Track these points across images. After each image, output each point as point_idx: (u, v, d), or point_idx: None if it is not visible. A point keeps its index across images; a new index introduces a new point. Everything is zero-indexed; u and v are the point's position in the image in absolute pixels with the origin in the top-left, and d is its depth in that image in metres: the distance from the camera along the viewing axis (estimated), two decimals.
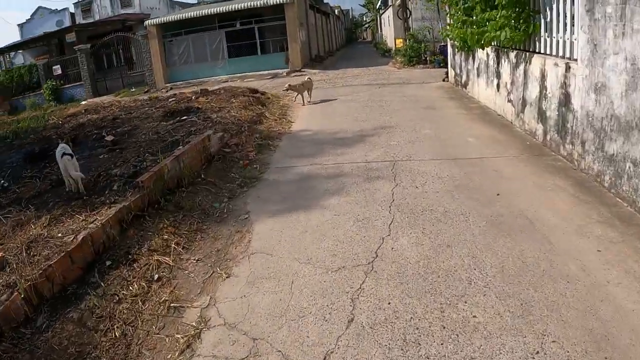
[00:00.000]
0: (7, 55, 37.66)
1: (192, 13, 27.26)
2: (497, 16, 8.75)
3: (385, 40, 39.65)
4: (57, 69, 32.10)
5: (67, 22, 39.58)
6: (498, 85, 10.40)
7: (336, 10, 56.31)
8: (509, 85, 9.60)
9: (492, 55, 10.75)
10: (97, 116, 13.94)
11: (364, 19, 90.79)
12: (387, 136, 9.38)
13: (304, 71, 25.26)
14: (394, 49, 30.54)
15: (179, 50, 28.48)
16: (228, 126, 10.20)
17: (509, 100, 9.60)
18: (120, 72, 31.01)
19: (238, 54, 27.80)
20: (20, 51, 40.19)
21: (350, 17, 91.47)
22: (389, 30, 36.54)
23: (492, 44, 10.21)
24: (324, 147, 9.15)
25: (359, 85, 17.64)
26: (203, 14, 26.94)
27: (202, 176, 7.38)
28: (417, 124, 10.17)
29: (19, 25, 41.40)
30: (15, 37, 41.56)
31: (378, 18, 50.55)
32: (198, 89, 17.69)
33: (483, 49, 11.07)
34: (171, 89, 26.81)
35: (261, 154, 9.10)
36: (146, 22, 27.85)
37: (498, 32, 8.82)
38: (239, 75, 26.59)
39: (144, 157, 7.76)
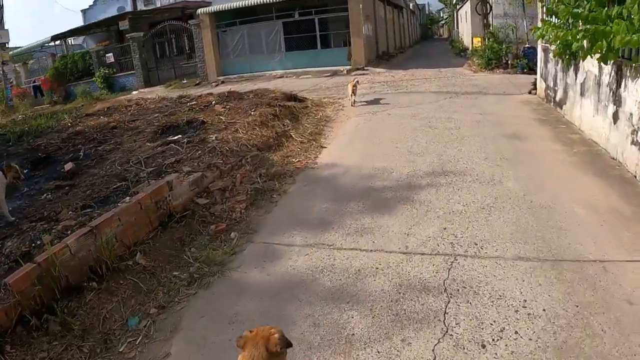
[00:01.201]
0: (67, 41, 36.82)
1: (247, 1, 24.99)
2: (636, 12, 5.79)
3: (461, 38, 36.14)
4: (110, 57, 30.80)
5: (128, 9, 38.49)
6: (615, 115, 7.16)
7: (411, 4, 53.02)
8: (636, 119, 6.41)
9: (609, 69, 7.46)
10: (102, 121, 12.18)
11: (441, 15, 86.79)
12: (449, 191, 6.46)
13: (367, 70, 22.62)
14: (470, 48, 27.32)
15: (233, 41, 26.39)
16: (224, 155, 7.70)
17: (635, 143, 6.43)
18: (173, 62, 29.32)
19: (296, 47, 25.33)
20: (83, 37, 39.63)
21: (427, 12, 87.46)
22: (465, 27, 33.09)
23: (616, 52, 6.83)
24: (347, 207, 6.35)
25: (426, 93, 14.69)
26: (259, 2, 24.55)
27: (138, 257, 4.92)
28: (496, 167, 7.27)
29: (82, 11, 40.74)
30: (79, 23, 40.59)
31: (455, 13, 46.95)
32: (234, 88, 15.84)
33: (604, 60, 7.30)
34: (222, 82, 24.93)
35: (254, 208, 6.55)
36: (198, 11, 25.83)
37: (634, 37, 5.85)
38: (295, 70, 24.30)
39: (78, 209, 5.61)
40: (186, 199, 6.31)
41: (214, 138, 8.54)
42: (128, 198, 5.62)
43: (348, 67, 22.97)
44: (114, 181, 6.77)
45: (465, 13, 33.33)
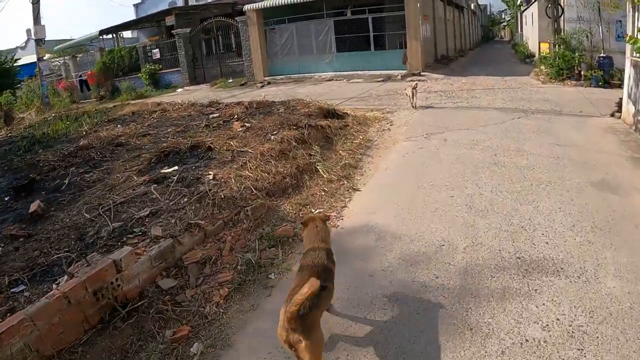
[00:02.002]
0: (119, 35, 36.29)
1: None
2: None
3: (526, 43, 33.46)
4: (156, 53, 29.92)
5: (180, 4, 37.76)
6: None
7: (472, 5, 50.33)
8: None
9: None
10: (114, 133, 10.93)
11: (502, 17, 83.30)
12: (521, 301, 4.25)
13: (423, 75, 20.64)
14: (537, 54, 24.97)
15: (281, 39, 24.87)
16: (216, 206, 5.94)
17: None
18: (219, 59, 28.11)
19: (347, 48, 23.55)
20: (136, 31, 39.17)
21: (488, 13, 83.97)
22: (531, 30, 30.48)
23: None
24: (366, 320, 4.20)
25: (490, 109, 12.60)
26: None
27: None
28: (588, 245, 5.12)
29: (134, 5, 40.38)
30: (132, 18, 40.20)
31: (519, 15, 44.10)
32: (279, 91, 14.22)
33: None
34: (268, 83, 23.55)
35: (238, 298, 4.65)
36: (245, 7, 24.44)
37: None
38: (346, 73, 22.58)
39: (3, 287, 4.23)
40: (145, 280, 4.61)
41: (211, 177, 6.76)
42: (55, 286, 3.96)
43: (403, 72, 21.07)
44: (69, 239, 5.27)
45: (531, 15, 30.69)
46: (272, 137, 8.82)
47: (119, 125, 12.49)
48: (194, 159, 7.97)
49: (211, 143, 8.51)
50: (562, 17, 21.84)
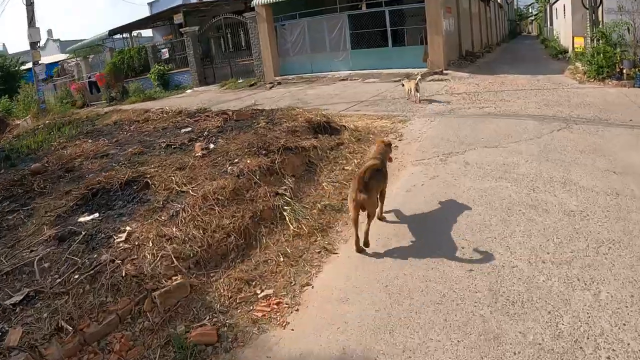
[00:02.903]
0: (131, 34, 34.76)
1: None
2: None
3: (557, 38, 30.68)
4: (165, 53, 28.23)
5: (194, 0, 36.11)
6: None
7: None
8: None
9: None
10: (76, 152, 9.27)
11: (529, 11, 79.91)
12: None
13: (446, 73, 18.37)
14: (570, 50, 22.47)
15: (292, 36, 22.81)
16: (114, 290, 3.94)
17: None
18: (229, 59, 26.17)
19: (363, 44, 21.41)
20: (150, 30, 37.66)
21: (515, 6, 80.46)
22: (563, 24, 27.76)
23: None
24: None
25: (523, 117, 10.27)
26: None
27: None
28: None
29: (148, 3, 38.81)
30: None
31: (548, 8, 41.20)
32: (288, 93, 12.42)
33: None
34: (279, 83, 21.55)
35: None
36: (254, 2, 22.42)
37: None
38: (361, 72, 20.41)
39: None
40: None
41: (123, 237, 4.70)
42: None
43: (423, 70, 18.76)
44: None
45: (562, 7, 28.00)
46: (231, 167, 6.67)
47: (90, 140, 10.79)
48: (123, 201, 5.99)
49: (151, 177, 6.47)
50: (601, 7, 19.41)
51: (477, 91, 14.27)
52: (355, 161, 7.93)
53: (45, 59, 44.79)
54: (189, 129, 9.81)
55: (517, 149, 8.04)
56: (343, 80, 20.10)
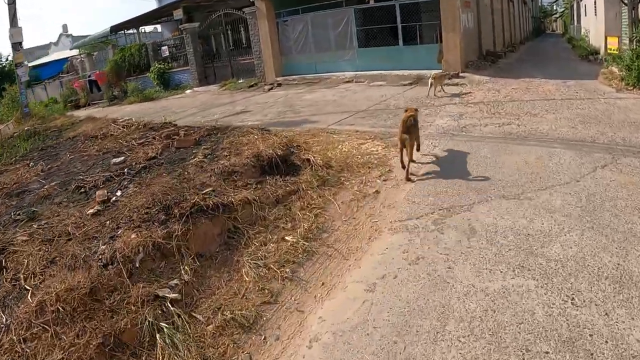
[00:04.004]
0: (139, 30, 32.69)
1: None
2: None
3: (586, 37, 27.72)
4: (165, 50, 26.03)
5: None
6: None
7: None
8: None
9: None
10: None
11: (554, 8, 76.09)
12: None
13: (463, 76, 15.71)
14: (601, 51, 19.64)
15: (295, 33, 20.26)
16: None
17: None
18: (230, 57, 23.80)
19: (371, 42, 18.77)
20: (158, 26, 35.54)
21: (539, 3, 76.45)
22: (593, 22, 24.69)
23: None
24: None
25: (554, 144, 7.59)
26: None
27: None
28: None
29: None
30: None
31: (575, 5, 37.89)
32: (287, 95, 10.48)
33: None
34: (279, 85, 19.20)
35: None
36: None
37: None
38: (368, 73, 17.82)
39: None
40: None
41: None
42: None
43: (438, 72, 16.32)
44: None
45: (593, 4, 25.04)
46: (105, 246, 4.38)
47: (31, 163, 8.97)
48: None
49: (12, 253, 4.16)
50: None
51: (498, 100, 11.64)
52: (306, 225, 5.36)
53: (57, 55, 43.23)
54: (121, 158, 7.56)
55: (548, 203, 5.44)
56: (348, 82, 17.60)
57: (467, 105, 11.17)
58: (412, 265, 4.53)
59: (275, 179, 6.22)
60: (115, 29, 28.43)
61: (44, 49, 50.64)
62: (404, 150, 6.65)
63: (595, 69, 16.12)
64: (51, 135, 12.69)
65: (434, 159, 7.36)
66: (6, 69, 27.67)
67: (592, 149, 7.10)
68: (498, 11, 25.69)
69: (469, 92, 13.07)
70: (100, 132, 10.77)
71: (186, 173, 6.14)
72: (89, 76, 28.71)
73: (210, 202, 5.08)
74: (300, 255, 4.88)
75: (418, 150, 7.28)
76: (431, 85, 12.82)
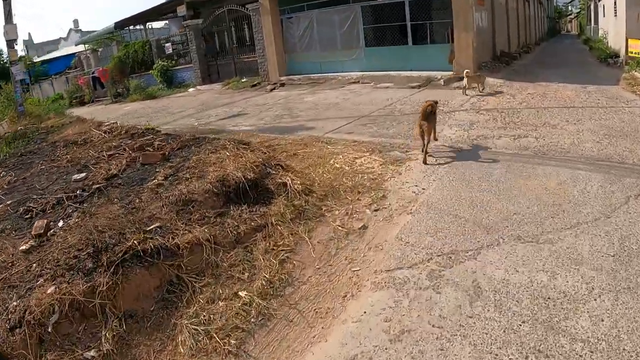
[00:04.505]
0: (146, 26, 31.72)
1: None
2: None
3: (604, 38, 26.36)
4: (168, 47, 25.06)
5: None
6: None
7: None
8: None
9: None
10: None
11: (569, 9, 74.13)
12: None
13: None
14: (622, 54, 18.34)
15: (299, 31, 19.12)
16: None
17: None
18: (233, 55, 22.74)
19: (379, 41, 17.62)
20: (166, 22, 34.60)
21: (555, 3, 74.35)
22: (613, 23, 23.21)
23: None
24: None
25: (578, 164, 6.41)
26: None
27: None
28: None
29: None
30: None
31: (592, 5, 36.28)
32: (290, 97, 10.13)
33: None
34: (282, 84, 18.14)
35: None
36: None
37: None
38: (375, 74, 16.70)
39: None
40: None
41: None
42: None
43: (448, 74, 15.11)
44: None
45: (613, 4, 23.61)
46: (14, 304, 3.44)
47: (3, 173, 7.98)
48: None
49: None
50: None
51: (512, 107, 10.48)
52: (267, 275, 4.24)
53: (66, 50, 42.51)
54: (83, 175, 6.58)
55: (573, 250, 4.27)
56: (354, 82, 16.49)
57: (479, 112, 10.03)
58: (393, 342, 3.41)
59: (241, 210, 5.07)
60: (119, 25, 27.54)
61: (55, 43, 50.07)
62: (424, 136, 7.10)
63: (615, 73, 14.88)
64: (37, 138, 11.74)
65: (438, 182, 6.22)
66: (7, 66, 26.70)
67: (622, 172, 5.95)
68: (513, 10, 24.41)
69: (501, 92, 12.00)
70: (80, 138, 9.81)
71: (137, 201, 5.10)
72: (92, 73, 27.88)
73: (150, 245, 4.01)
74: (253, 320, 3.77)
75: (436, 139, 7.80)
76: (465, 85, 12.44)
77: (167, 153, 6.77)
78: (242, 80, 20.54)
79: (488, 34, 18.24)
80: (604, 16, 27.15)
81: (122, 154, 7.24)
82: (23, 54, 46.63)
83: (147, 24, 30.68)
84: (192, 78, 23.54)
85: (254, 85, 19.27)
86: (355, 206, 5.53)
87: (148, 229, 4.55)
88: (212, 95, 19.46)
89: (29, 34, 56.36)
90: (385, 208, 5.47)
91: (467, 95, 12.22)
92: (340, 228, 5.06)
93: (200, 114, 14.69)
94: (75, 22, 50.75)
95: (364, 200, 5.67)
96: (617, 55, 19.07)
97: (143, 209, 4.97)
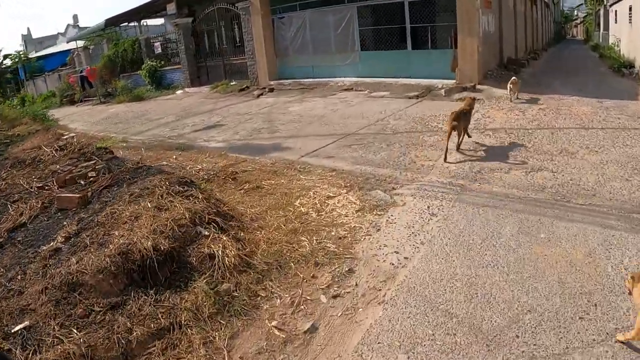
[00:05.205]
0: (141, 23, 30.11)
1: None
2: None
3: (616, 46, 24.65)
4: (157, 47, 23.54)
5: None
6: None
7: None
8: None
9: None
10: None
11: (575, 13, 72.10)
12: None
13: (480, 89, 12.92)
14: (639, 64, 16.64)
15: (291, 32, 17.52)
16: None
17: None
18: (223, 56, 21.12)
19: (376, 45, 15.97)
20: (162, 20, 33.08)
21: (561, 7, 71.99)
22: (627, 30, 21.27)
23: None
24: None
25: (605, 210, 4.92)
26: None
27: None
28: None
29: None
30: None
31: (602, 10, 34.46)
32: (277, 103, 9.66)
33: None
34: (272, 90, 16.62)
35: None
36: None
37: None
38: (371, 81, 15.15)
39: None
40: None
41: None
42: None
43: (450, 83, 13.44)
44: None
45: (627, 9, 21.72)
46: None
47: None
48: None
49: None
50: None
51: (522, 126, 8.85)
52: None
53: (63, 47, 41.05)
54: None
55: None
56: (347, 90, 14.90)
57: (485, 133, 8.42)
58: None
59: (144, 300, 3.50)
60: (110, 22, 25.98)
61: (53, 39, 48.68)
62: (452, 136, 7.27)
63: (632, 86, 13.22)
64: None
65: (427, 246, 4.55)
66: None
67: None
68: (521, 14, 22.67)
69: (508, 106, 10.38)
70: (30, 157, 8.29)
71: (20, 277, 3.61)
72: (81, 72, 26.42)
73: None
74: None
75: (469, 136, 7.95)
76: (510, 90, 11.52)
77: (88, 195, 5.22)
78: (231, 84, 18.98)
79: (495, 39, 16.56)
80: (615, 22, 25.33)
81: (49, 188, 5.73)
82: (21, 48, 45.40)
83: (142, 21, 29.14)
84: (181, 80, 21.98)
85: (242, 90, 17.71)
86: (307, 289, 3.90)
87: (14, 330, 3.08)
88: (197, 99, 17.93)
89: (28, 28, 55.04)
90: (349, 293, 3.83)
91: (513, 102, 11.31)
92: (277, 332, 3.43)
93: (178, 123, 13.17)
94: (75, 17, 49.16)
95: (321, 278, 4.03)
96: (632, 65, 17.37)
97: (22, 291, 3.48)
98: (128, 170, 6.37)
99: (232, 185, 6.72)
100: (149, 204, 4.45)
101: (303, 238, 4.72)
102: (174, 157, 9.02)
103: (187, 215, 4.43)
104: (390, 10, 15.09)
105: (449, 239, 4.63)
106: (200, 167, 7.93)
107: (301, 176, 6.75)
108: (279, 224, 5.06)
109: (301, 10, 17.05)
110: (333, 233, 4.84)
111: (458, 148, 7.42)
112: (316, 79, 16.71)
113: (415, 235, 4.74)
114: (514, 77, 11.74)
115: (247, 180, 6.82)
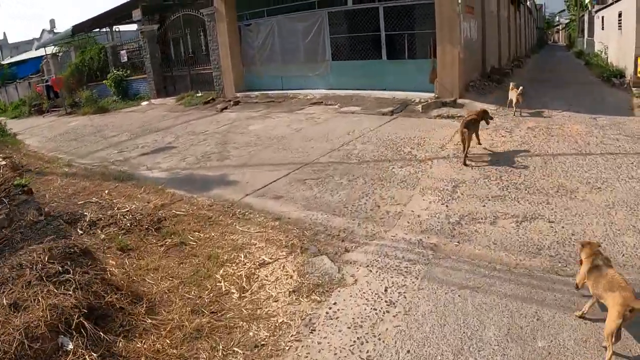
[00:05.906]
0: (112, 29, 28.38)
1: None
2: None
3: (602, 53, 23.26)
4: (123, 55, 21.90)
5: None
6: None
7: (527, 1, 39.21)
8: None
9: None
10: None
11: (557, 19, 71.42)
12: None
13: (460, 104, 11.54)
14: (629, 72, 15.24)
15: (259, 40, 16.00)
16: None
17: None
18: (189, 66, 19.37)
19: (348, 54, 14.52)
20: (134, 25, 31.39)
21: (543, 13, 71.03)
22: (616, 37, 19.89)
23: None
24: None
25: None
26: None
27: None
28: None
29: None
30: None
31: (587, 16, 33.15)
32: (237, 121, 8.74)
33: None
34: (236, 103, 15.18)
35: None
36: None
37: None
38: (343, 93, 13.71)
39: None
40: None
41: None
42: None
43: (428, 97, 12.02)
44: None
45: (616, 15, 20.42)
46: None
47: None
48: None
49: None
50: None
51: (509, 150, 7.51)
52: None
53: (36, 53, 39.23)
54: None
55: None
56: (316, 103, 13.41)
57: (463, 170, 6.98)
58: None
59: None
60: (77, 29, 24.28)
61: (29, 44, 46.85)
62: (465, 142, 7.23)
63: (624, 98, 11.89)
64: None
65: None
66: None
67: None
68: (504, 20, 21.32)
69: (493, 125, 9.00)
70: None
71: None
72: (46, 81, 24.73)
73: None
74: None
75: (479, 143, 7.94)
76: (513, 100, 10.40)
77: None
78: (197, 95, 17.42)
79: (477, 47, 15.13)
80: (602, 29, 23.98)
81: None
82: None
83: (116, 27, 27.47)
84: (147, 90, 20.37)
85: (207, 102, 16.16)
86: None
87: None
88: (160, 112, 16.36)
89: (4, 33, 53.02)
90: None
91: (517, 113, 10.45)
92: None
93: (129, 143, 11.63)
94: (52, 22, 47.42)
95: None
96: (622, 75, 16.07)
97: None
98: (26, 225, 4.89)
99: (153, 239, 5.24)
100: (4, 300, 2.98)
101: (205, 346, 3.23)
102: (106, 191, 7.49)
103: (48, 318, 2.97)
104: (364, 16, 13.60)
105: (408, 351, 3.15)
106: (129, 207, 6.42)
107: (237, 227, 5.28)
108: (182, 317, 3.57)
109: (269, 17, 15.57)
110: (251, 334, 3.37)
111: (465, 162, 7.16)
112: (285, 91, 15.22)
113: (361, 345, 3.23)
114: (521, 87, 10.35)
115: (173, 231, 5.33)
